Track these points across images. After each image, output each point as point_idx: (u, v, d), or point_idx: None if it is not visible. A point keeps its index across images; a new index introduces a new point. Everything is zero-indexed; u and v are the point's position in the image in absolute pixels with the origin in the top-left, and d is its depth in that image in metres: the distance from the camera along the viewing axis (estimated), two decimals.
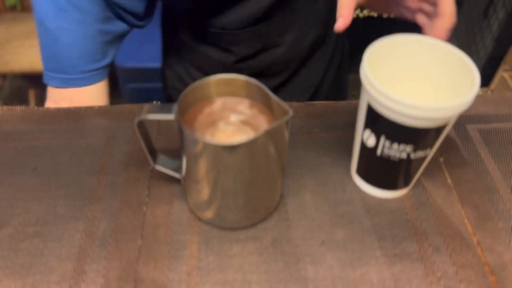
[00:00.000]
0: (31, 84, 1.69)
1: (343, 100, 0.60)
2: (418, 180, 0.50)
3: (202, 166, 0.40)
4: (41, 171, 0.51)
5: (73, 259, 0.43)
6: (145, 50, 1.58)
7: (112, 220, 0.46)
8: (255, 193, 0.44)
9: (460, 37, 1.76)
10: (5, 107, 0.58)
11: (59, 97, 0.65)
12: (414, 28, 0.53)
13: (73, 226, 0.46)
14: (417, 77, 0.47)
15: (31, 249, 0.44)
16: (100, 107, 0.58)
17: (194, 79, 0.77)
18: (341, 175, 0.51)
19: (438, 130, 0.41)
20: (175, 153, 0.53)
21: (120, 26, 0.64)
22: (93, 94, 0.66)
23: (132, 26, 0.66)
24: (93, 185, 0.49)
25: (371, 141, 0.44)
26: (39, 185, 0.49)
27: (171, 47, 0.83)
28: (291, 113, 0.38)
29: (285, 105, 0.39)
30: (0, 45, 1.54)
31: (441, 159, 0.52)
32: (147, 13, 0.67)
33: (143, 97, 1.40)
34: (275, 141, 0.39)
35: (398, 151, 0.42)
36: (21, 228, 0.46)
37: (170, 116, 0.41)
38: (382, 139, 0.43)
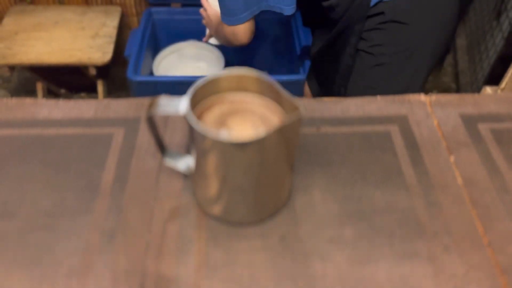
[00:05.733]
0: (39, 76, 1.69)
1: (353, 96, 0.59)
2: (428, 179, 0.50)
3: (211, 162, 0.40)
4: (49, 163, 0.51)
5: (81, 253, 0.43)
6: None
7: (120, 214, 0.46)
8: (264, 190, 0.43)
9: (470, 35, 1.74)
10: (13, 99, 0.58)
11: None
12: None
13: (81, 219, 0.46)
14: None
15: (39, 242, 0.44)
16: (109, 100, 0.58)
17: None
18: (350, 172, 0.50)
19: None
20: (184, 147, 0.53)
21: None
22: None
23: None
24: (101, 178, 0.49)
25: None
26: (47, 178, 0.49)
27: None
28: (302, 109, 0.37)
29: (295, 101, 0.38)
30: (8, 37, 1.54)
31: (452, 158, 0.52)
32: None
33: (150, 89, 1.39)
34: (286, 138, 0.39)
35: None
36: (29, 221, 0.46)
37: (180, 111, 0.40)
38: None
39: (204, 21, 1.25)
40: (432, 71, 0.98)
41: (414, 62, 0.91)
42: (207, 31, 1.30)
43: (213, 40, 1.32)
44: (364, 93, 0.94)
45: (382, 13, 0.87)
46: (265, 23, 1.59)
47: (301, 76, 1.31)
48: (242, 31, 0.98)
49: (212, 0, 1.18)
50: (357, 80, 0.95)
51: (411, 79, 0.93)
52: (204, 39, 1.32)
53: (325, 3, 0.93)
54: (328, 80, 1.03)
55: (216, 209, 0.45)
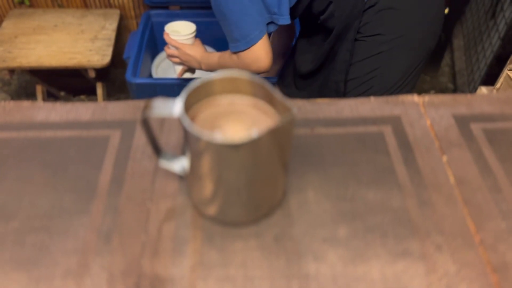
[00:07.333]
0: (39, 79, 1.70)
1: (345, 98, 0.60)
2: (421, 179, 0.50)
3: (206, 164, 0.41)
4: (47, 165, 0.51)
5: (78, 253, 0.44)
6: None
7: (116, 215, 0.47)
8: (258, 190, 0.44)
9: (466, 35, 1.75)
10: (11, 102, 0.59)
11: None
12: None
13: (78, 220, 0.46)
14: None
15: (36, 243, 0.45)
16: (105, 103, 0.59)
17: None
18: (343, 173, 0.51)
19: None
20: (180, 148, 0.53)
21: None
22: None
23: None
24: (98, 179, 0.50)
25: None
26: (45, 179, 0.50)
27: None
28: (294, 111, 0.38)
29: (288, 103, 0.39)
30: (8, 40, 1.55)
31: (445, 158, 0.52)
32: None
33: (149, 91, 1.40)
34: (279, 139, 0.40)
35: None
36: (27, 222, 0.46)
37: (174, 113, 0.41)
38: None
39: (176, 60, 1.22)
40: (427, 62, 0.99)
41: (410, 48, 0.92)
42: (177, 68, 1.29)
43: (187, 74, 1.32)
44: (364, 84, 0.94)
45: (376, 3, 0.88)
46: None
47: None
48: (263, 53, 0.95)
49: (177, 37, 1.19)
50: (357, 72, 0.95)
51: (408, 66, 0.94)
52: (178, 75, 1.30)
53: (322, 16, 0.94)
54: (320, 80, 1.03)
55: (211, 210, 0.45)
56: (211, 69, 1.15)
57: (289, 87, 1.16)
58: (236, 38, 0.94)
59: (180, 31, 1.23)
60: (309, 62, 1.04)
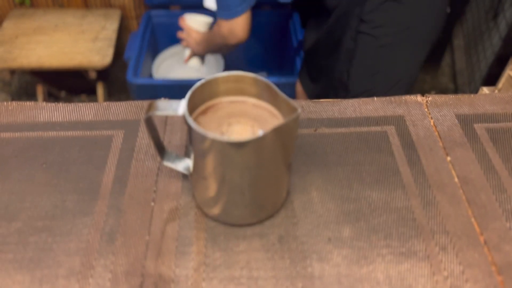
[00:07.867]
0: (40, 79, 1.70)
1: (348, 98, 0.60)
2: (425, 179, 0.50)
3: (210, 163, 0.41)
4: (50, 165, 0.51)
5: (81, 254, 0.44)
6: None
7: (120, 216, 0.47)
8: (262, 190, 0.44)
9: (467, 36, 1.75)
10: (14, 103, 0.58)
11: None
12: None
13: (81, 221, 0.46)
14: None
15: (39, 243, 0.44)
16: (108, 103, 0.59)
17: None
18: (347, 173, 0.51)
19: None
20: (183, 149, 0.53)
21: None
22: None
23: None
24: (101, 180, 0.50)
25: None
26: (48, 180, 0.50)
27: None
28: (299, 110, 0.38)
29: (293, 102, 0.39)
30: (8, 40, 1.55)
31: (448, 158, 0.52)
32: None
33: (150, 92, 1.40)
34: (283, 139, 0.40)
35: None
36: (30, 222, 0.46)
37: (178, 113, 0.41)
38: None
39: (184, 43, 1.36)
40: (428, 56, 0.99)
41: (414, 41, 0.92)
42: (186, 53, 1.43)
43: (194, 62, 1.45)
44: (368, 75, 0.95)
45: None
46: (265, 25, 1.60)
47: (295, 78, 1.31)
48: (240, 26, 1.00)
49: (190, 22, 1.33)
50: (360, 63, 0.95)
51: (412, 60, 0.94)
52: (185, 60, 1.44)
53: None
54: (327, 71, 1.03)
55: (215, 210, 0.45)
56: (204, 48, 1.26)
57: (304, 79, 1.19)
58: (224, 6, 0.98)
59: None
60: (310, 45, 1.07)
